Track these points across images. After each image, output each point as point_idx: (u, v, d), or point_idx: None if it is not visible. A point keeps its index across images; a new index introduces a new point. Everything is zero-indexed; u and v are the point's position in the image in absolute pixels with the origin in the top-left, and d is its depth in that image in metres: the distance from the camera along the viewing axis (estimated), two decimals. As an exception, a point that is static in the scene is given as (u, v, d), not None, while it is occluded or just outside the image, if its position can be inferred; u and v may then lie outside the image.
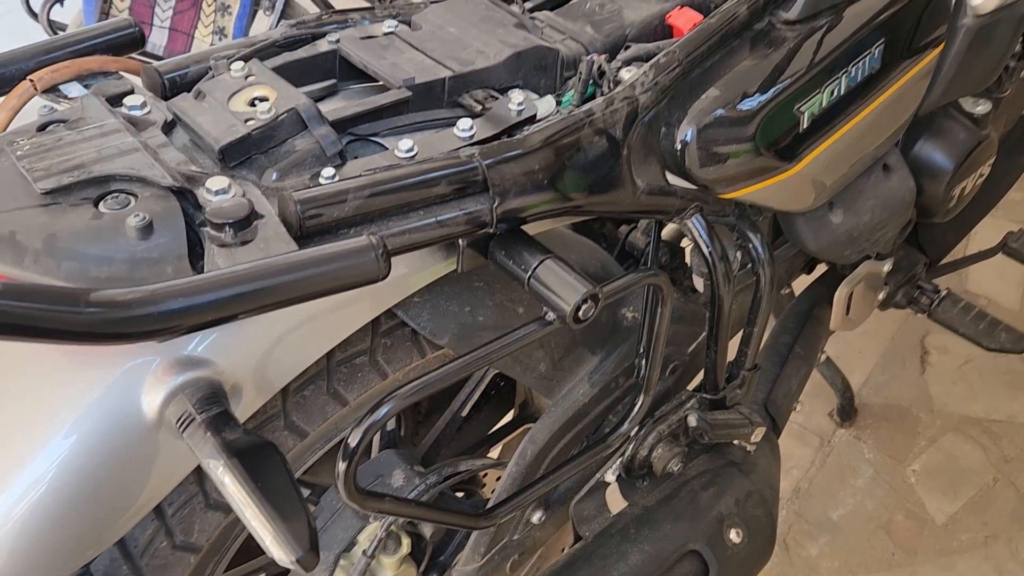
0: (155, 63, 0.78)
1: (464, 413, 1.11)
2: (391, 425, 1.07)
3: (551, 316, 0.70)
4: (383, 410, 0.65)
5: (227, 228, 0.59)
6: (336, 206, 0.63)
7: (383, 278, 0.57)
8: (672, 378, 1.07)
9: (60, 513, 0.63)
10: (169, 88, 0.76)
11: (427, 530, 0.98)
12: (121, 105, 0.71)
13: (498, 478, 1.03)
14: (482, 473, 1.15)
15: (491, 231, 0.70)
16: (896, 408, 1.78)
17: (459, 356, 0.70)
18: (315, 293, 0.56)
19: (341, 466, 0.65)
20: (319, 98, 0.77)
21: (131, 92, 0.73)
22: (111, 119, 0.67)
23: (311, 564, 0.54)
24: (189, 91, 0.74)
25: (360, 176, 0.65)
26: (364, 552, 0.92)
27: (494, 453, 1.23)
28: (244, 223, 0.60)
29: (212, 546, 0.81)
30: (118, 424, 0.63)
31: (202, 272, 0.59)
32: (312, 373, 0.80)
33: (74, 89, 0.74)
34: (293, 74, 0.77)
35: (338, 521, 0.94)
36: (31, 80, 0.73)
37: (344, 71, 0.82)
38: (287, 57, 0.80)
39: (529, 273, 0.70)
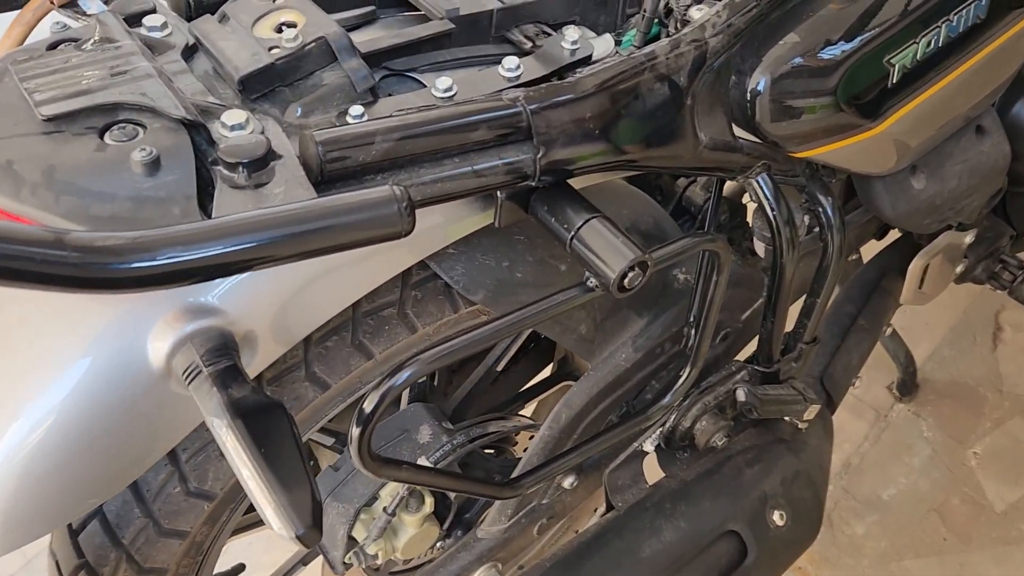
0: (181, -20, 0.72)
1: (500, 367, 1.06)
2: (423, 376, 1.02)
3: (593, 283, 0.64)
4: (403, 375, 0.60)
5: (241, 168, 0.54)
6: (362, 149, 0.57)
7: (406, 234, 0.52)
8: (722, 346, 1.01)
9: (63, 457, 0.61)
10: (194, 8, 0.71)
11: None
12: (140, 25, 0.66)
13: (531, 437, 0.99)
14: (515, 431, 1.11)
15: (533, 184, 0.64)
16: (962, 386, 1.69)
17: (490, 320, 0.64)
18: (329, 248, 0.50)
19: (355, 431, 0.61)
20: (353, 27, 0.72)
21: (153, 11, 0.68)
22: (126, 40, 0.62)
23: (312, 541, 0.50)
24: (214, 13, 0.69)
25: (390, 117, 0.59)
26: (384, 509, 0.88)
27: (529, 409, 1.19)
28: (260, 163, 0.55)
29: (227, 494, 0.79)
30: (123, 371, 0.60)
31: (211, 216, 0.54)
32: (336, 324, 0.76)
33: (93, 5, 0.69)
34: (327, -2, 0.71)
35: (360, 475, 0.91)
36: (48, -8, 0.68)
37: (384, -3, 0.76)
38: (321, -21, 0.74)
39: (572, 233, 0.64)
